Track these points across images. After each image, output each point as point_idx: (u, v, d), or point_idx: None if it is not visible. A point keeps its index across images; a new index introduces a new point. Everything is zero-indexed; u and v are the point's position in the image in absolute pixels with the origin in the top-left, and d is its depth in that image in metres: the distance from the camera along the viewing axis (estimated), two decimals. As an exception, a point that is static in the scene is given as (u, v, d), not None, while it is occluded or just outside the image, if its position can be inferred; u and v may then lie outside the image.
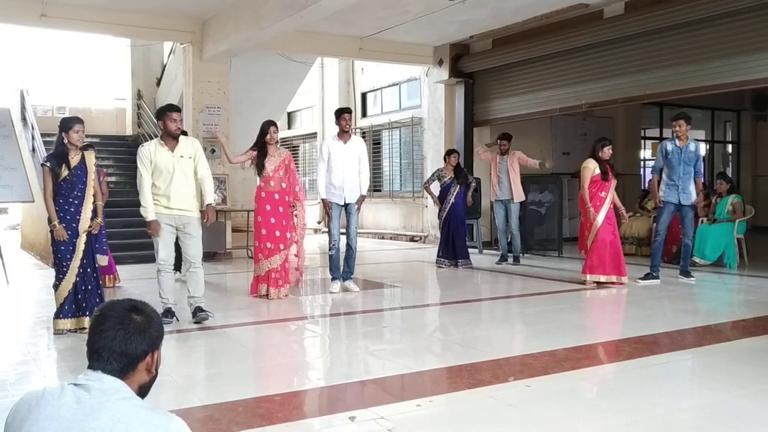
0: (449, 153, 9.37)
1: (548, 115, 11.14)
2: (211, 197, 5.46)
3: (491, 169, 9.57)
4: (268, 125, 6.53)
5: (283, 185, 6.52)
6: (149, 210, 5.26)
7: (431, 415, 3.28)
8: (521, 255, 9.58)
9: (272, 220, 6.48)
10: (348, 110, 6.95)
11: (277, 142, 6.62)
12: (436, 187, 9.40)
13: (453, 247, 9.05)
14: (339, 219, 6.93)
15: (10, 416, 1.57)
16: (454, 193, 9.03)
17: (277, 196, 6.49)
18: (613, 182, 7.28)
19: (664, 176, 7.45)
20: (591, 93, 9.88)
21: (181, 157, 5.30)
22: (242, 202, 12.92)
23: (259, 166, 6.50)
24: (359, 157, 6.92)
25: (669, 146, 7.35)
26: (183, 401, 3.51)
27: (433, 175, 9.51)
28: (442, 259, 9.12)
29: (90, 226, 5.11)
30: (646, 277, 7.37)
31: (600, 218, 7.12)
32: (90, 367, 1.59)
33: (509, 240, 9.57)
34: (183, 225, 5.37)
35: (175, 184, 5.27)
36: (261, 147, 6.51)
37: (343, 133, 6.86)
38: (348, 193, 6.83)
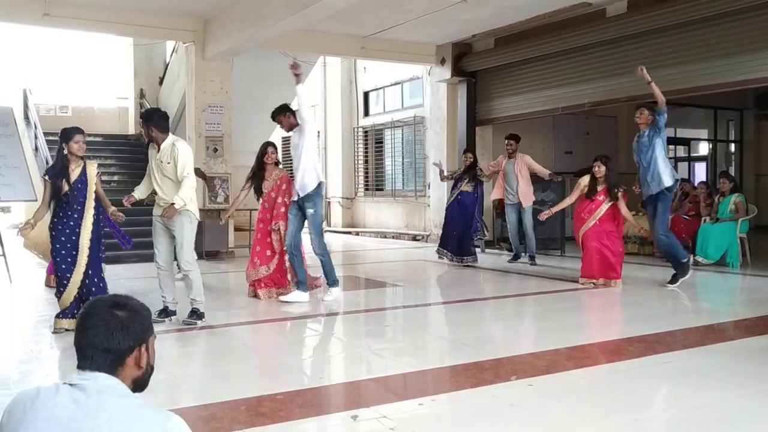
0: (464, 153, 9.49)
1: (551, 114, 11.13)
2: (178, 199, 5.15)
3: (500, 174, 9.58)
4: (266, 146, 6.58)
5: (275, 203, 6.50)
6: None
7: (433, 414, 3.28)
8: (523, 254, 9.56)
9: (258, 236, 6.59)
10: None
11: (277, 162, 6.62)
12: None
13: (459, 245, 9.08)
14: (294, 220, 6.35)
15: (5, 418, 1.53)
16: (460, 188, 9.05)
17: (262, 215, 6.59)
18: (606, 204, 7.07)
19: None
20: (593, 92, 9.87)
21: (161, 161, 5.27)
22: (245, 201, 12.86)
23: (258, 190, 6.56)
24: (298, 146, 6.46)
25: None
26: (185, 400, 3.52)
27: (453, 177, 9.52)
28: (443, 250, 9.21)
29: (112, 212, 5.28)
30: (674, 279, 6.97)
31: (581, 232, 7.16)
32: (79, 366, 1.57)
33: (522, 240, 9.56)
34: (169, 224, 5.34)
35: (159, 182, 5.34)
36: (259, 168, 6.54)
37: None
38: (299, 187, 6.37)
